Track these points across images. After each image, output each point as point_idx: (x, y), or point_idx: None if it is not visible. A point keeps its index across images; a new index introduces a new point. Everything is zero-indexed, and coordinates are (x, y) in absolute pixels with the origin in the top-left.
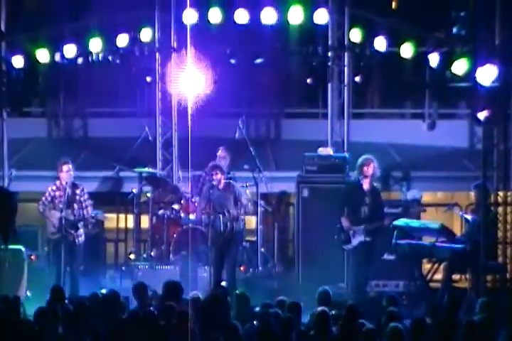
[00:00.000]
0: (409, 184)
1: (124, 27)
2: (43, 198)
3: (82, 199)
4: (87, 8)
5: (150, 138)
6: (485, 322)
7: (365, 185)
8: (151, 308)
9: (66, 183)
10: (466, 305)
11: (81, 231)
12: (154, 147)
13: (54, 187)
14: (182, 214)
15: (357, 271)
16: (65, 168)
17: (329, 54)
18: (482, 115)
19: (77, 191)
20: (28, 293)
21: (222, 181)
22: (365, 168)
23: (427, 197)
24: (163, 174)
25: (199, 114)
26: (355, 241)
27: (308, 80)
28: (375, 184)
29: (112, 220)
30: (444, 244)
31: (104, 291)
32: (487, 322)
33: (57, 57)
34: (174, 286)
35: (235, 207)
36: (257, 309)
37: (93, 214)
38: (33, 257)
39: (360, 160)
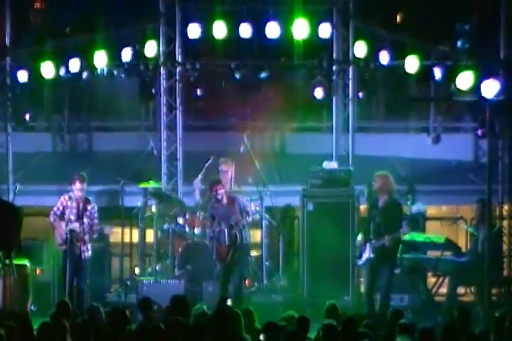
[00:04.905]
0: (414, 197)
1: (129, 41)
2: (55, 208)
3: (91, 216)
4: (91, 22)
5: (155, 152)
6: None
7: (380, 202)
8: (157, 323)
9: (79, 197)
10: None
11: (88, 246)
12: (159, 161)
13: (67, 197)
14: (187, 228)
15: (366, 286)
16: (77, 185)
17: (334, 68)
18: (480, 132)
19: (89, 207)
20: (33, 308)
21: (226, 195)
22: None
23: (431, 211)
24: (168, 188)
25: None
26: (364, 257)
27: (318, 94)
28: (395, 200)
29: (117, 234)
30: (448, 258)
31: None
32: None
33: (62, 71)
34: (181, 300)
35: (240, 217)
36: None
37: (99, 228)
38: (37, 271)
39: None
